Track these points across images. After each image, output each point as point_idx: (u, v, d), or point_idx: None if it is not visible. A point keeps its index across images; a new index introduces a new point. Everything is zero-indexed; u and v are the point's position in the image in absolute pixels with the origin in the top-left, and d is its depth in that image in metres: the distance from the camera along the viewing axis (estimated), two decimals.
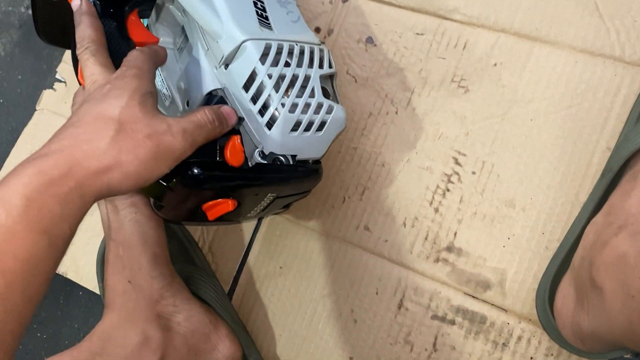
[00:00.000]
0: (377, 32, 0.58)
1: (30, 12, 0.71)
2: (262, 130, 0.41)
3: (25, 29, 0.77)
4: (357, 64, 0.58)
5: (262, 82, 0.41)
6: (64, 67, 0.70)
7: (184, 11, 0.48)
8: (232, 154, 0.40)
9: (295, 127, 0.42)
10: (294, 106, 0.41)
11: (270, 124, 0.41)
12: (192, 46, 0.47)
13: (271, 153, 0.42)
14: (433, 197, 0.53)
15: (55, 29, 0.48)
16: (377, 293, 0.53)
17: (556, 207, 0.49)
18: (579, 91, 0.50)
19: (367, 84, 0.57)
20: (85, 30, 0.41)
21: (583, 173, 0.49)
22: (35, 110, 0.70)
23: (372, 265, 0.53)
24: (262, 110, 0.41)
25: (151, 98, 0.37)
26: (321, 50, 0.45)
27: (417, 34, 0.56)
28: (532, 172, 0.50)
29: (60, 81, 0.70)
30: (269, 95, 0.41)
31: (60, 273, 0.64)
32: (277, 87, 0.41)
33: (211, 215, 0.42)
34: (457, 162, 0.53)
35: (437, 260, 0.51)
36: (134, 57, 0.40)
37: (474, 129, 0.53)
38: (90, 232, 0.64)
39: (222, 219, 0.43)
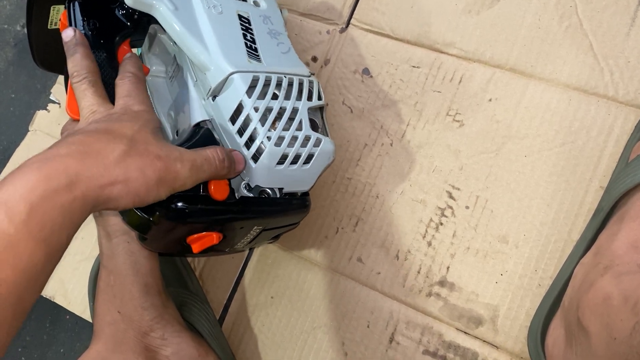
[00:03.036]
0: (374, 64, 0.58)
1: (25, 30, 0.71)
2: (248, 163, 0.41)
3: (20, 47, 0.77)
4: (353, 95, 0.58)
5: (248, 115, 0.41)
6: (59, 89, 0.70)
7: (174, 42, 0.48)
8: (216, 188, 0.40)
9: (282, 161, 0.42)
10: (280, 139, 0.41)
11: (256, 157, 0.41)
12: (183, 76, 0.47)
13: (257, 186, 0.42)
14: (426, 231, 0.53)
15: (52, 56, 0.48)
16: (368, 326, 0.52)
17: (549, 244, 0.49)
18: (572, 129, 0.51)
19: (363, 115, 0.57)
20: (82, 60, 0.41)
21: (576, 211, 0.49)
22: (28, 130, 0.69)
23: (365, 298, 0.53)
24: (248, 143, 0.41)
25: (161, 132, 0.37)
26: (310, 82, 0.45)
27: (414, 66, 0.57)
28: (525, 208, 0.50)
29: (54, 102, 0.70)
30: (255, 129, 0.41)
31: (47, 297, 0.63)
32: (263, 120, 0.41)
33: (196, 248, 0.41)
34: (451, 196, 0.53)
35: (429, 294, 0.51)
36: (135, 90, 0.40)
37: (468, 164, 0.53)
38: (79, 256, 0.63)
39: (208, 252, 0.43)
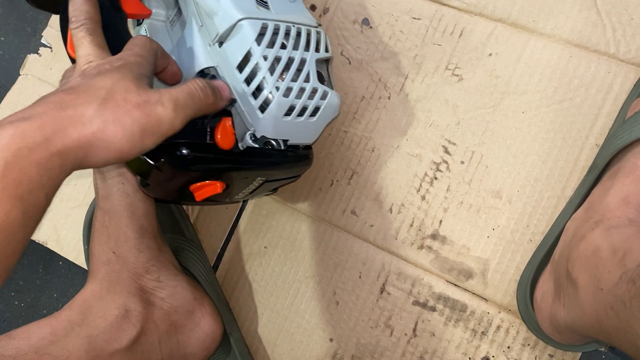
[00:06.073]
0: (374, 14, 0.57)
1: None
2: (254, 113, 0.41)
3: None
4: (352, 46, 0.57)
5: (257, 64, 0.40)
6: (50, 32, 0.68)
7: None
8: (223, 137, 0.39)
9: (289, 112, 0.41)
10: (288, 90, 0.41)
11: (263, 107, 0.40)
12: (186, 21, 0.46)
13: (263, 137, 0.41)
14: (421, 185, 0.53)
15: None
16: (360, 276, 0.53)
17: (542, 200, 0.49)
18: (572, 86, 0.50)
19: (361, 67, 0.56)
20: (83, 4, 0.39)
21: (571, 168, 0.49)
22: (19, 75, 0.68)
23: (357, 249, 0.54)
24: (256, 93, 0.40)
25: (147, 79, 0.36)
26: (318, 33, 0.44)
27: (414, 18, 0.56)
28: (520, 164, 0.50)
29: (45, 46, 0.68)
30: (264, 78, 0.40)
31: (40, 242, 0.63)
32: (272, 70, 0.40)
33: (198, 196, 0.41)
34: (446, 151, 0.53)
35: (421, 247, 0.52)
36: (139, 44, 0.38)
37: (466, 119, 0.53)
38: (72, 202, 0.63)
39: (210, 200, 0.43)
